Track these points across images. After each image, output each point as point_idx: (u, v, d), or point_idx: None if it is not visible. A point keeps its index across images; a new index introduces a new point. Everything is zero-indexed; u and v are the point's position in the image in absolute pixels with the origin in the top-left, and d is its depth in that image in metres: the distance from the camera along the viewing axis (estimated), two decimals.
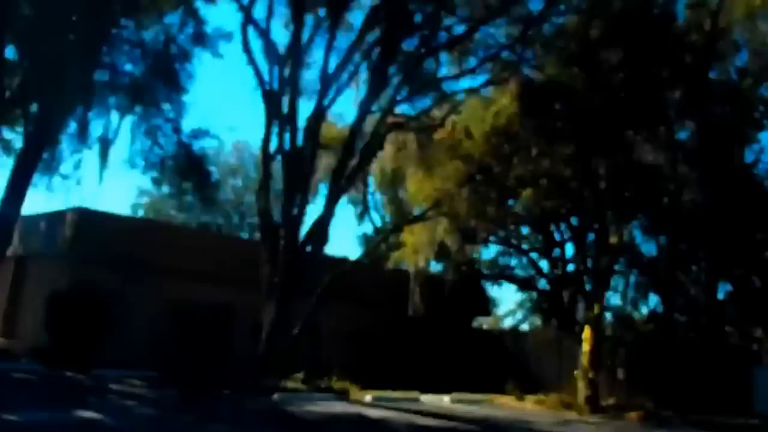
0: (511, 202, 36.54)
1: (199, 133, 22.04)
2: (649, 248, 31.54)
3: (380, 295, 31.43)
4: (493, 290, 47.63)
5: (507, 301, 65.54)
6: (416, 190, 29.45)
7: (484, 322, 44.11)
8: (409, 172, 30.79)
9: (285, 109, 25.38)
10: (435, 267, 41.54)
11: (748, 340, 34.75)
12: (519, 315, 48.14)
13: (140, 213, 52.42)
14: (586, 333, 26.19)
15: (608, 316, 31.83)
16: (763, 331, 35.04)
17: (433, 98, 28.29)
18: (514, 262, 43.20)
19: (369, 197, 46.15)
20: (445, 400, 25.07)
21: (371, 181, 41.72)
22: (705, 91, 28.38)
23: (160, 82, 22.34)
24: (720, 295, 34.72)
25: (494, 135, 27.21)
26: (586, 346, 26.06)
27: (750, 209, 30.16)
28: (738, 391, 25.25)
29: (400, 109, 28.18)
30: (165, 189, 29.52)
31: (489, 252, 42.95)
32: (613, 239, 27.41)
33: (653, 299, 31.50)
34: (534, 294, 45.02)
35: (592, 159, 25.94)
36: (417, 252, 30.24)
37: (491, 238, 39.63)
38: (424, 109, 28.09)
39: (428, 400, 24.79)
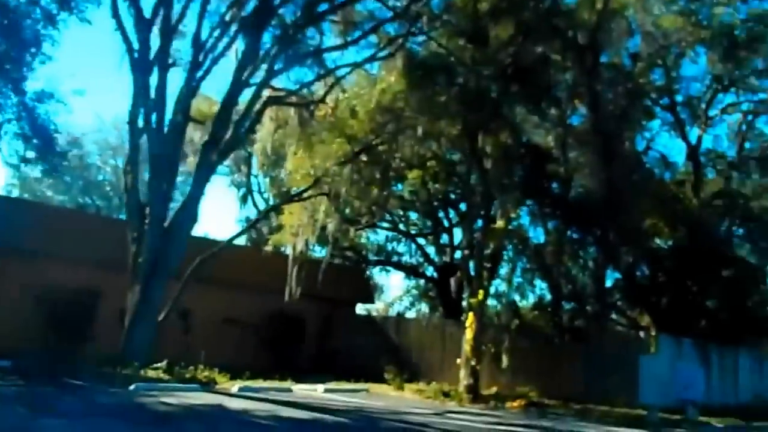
0: (400, 187, 35.63)
1: (43, 96, 19.94)
2: (537, 234, 30.88)
3: (259, 280, 29.79)
4: (381, 276, 46.82)
5: (397, 288, 64.56)
6: (295, 168, 27.86)
7: (371, 309, 43.09)
8: (290, 151, 29.11)
9: (154, 79, 23.61)
10: (322, 253, 40.43)
11: (636, 329, 34.60)
12: (406, 302, 47.59)
13: (15, 193, 49.27)
14: (469, 320, 25.15)
15: (497, 303, 31.16)
16: (651, 320, 34.97)
17: (316, 73, 26.80)
18: (403, 248, 42.49)
19: (253, 179, 44.58)
20: (319, 389, 23.70)
21: (255, 162, 40.04)
22: (596, 74, 27.74)
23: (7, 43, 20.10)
24: (608, 283, 34.55)
25: (379, 112, 25.87)
26: (468, 333, 25.02)
27: (640, 197, 29.83)
28: (625, 380, 24.59)
29: (281, 84, 26.77)
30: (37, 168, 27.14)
31: (378, 238, 42.17)
32: (500, 223, 26.49)
33: (541, 287, 30.73)
34: (422, 281, 44.46)
35: (479, 137, 24.80)
36: (296, 234, 28.67)
37: (379, 223, 38.66)
38: (305, 83, 26.55)
39: (301, 389, 23.48)
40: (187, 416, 15.65)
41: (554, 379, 26.37)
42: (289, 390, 23.04)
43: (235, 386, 21.73)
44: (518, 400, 23.63)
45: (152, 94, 23.52)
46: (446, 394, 24.21)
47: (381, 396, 24.18)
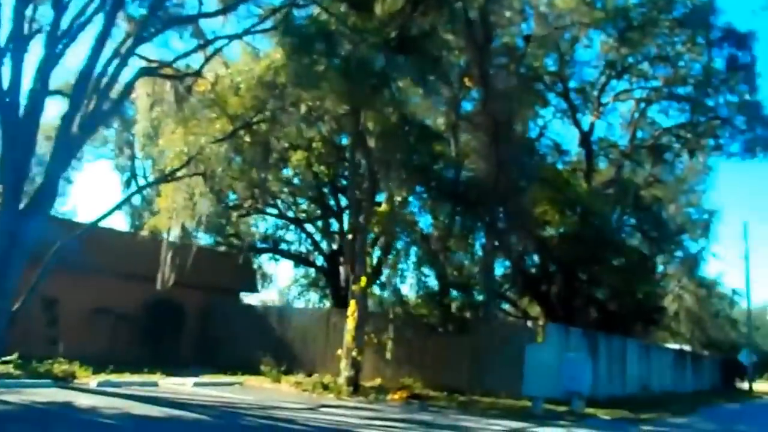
0: (288, 171, 34.23)
1: None
2: (426, 220, 29.84)
3: (137, 267, 27.96)
4: (270, 265, 45.34)
5: (289, 278, 62.68)
6: (168, 146, 25.93)
7: (264, 299, 41.71)
8: (166, 129, 27.10)
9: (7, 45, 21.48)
10: (208, 240, 38.81)
11: (526, 319, 34.11)
12: (295, 291, 46.33)
13: None
14: (351, 308, 23.83)
15: (384, 293, 30.09)
16: (541, 309, 34.56)
17: (194, 44, 24.94)
18: (293, 236, 41.12)
19: (137, 163, 42.61)
20: (189, 383, 22.03)
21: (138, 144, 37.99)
22: (487, 53, 26.85)
23: None
24: (499, 272, 33.95)
25: (261, 88, 24.24)
26: (350, 323, 23.71)
27: (530, 183, 29.21)
28: (512, 371, 23.72)
29: (160, 56, 24.89)
30: None
31: (268, 225, 40.71)
32: (384, 206, 25.32)
33: (428, 274, 29.56)
34: (312, 270, 43.24)
35: (362, 113, 23.40)
36: (171, 218, 26.81)
37: (268, 209, 37.22)
38: (181, 54, 24.65)
39: (170, 383, 21.79)
40: (20, 417, 13.83)
41: (441, 371, 25.51)
42: (155, 384, 21.35)
43: (94, 381, 19.93)
44: (400, 393, 22.44)
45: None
46: (326, 387, 22.85)
47: (255, 389, 22.67)
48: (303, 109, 24.85)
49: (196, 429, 14.28)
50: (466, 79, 27.36)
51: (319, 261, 40.80)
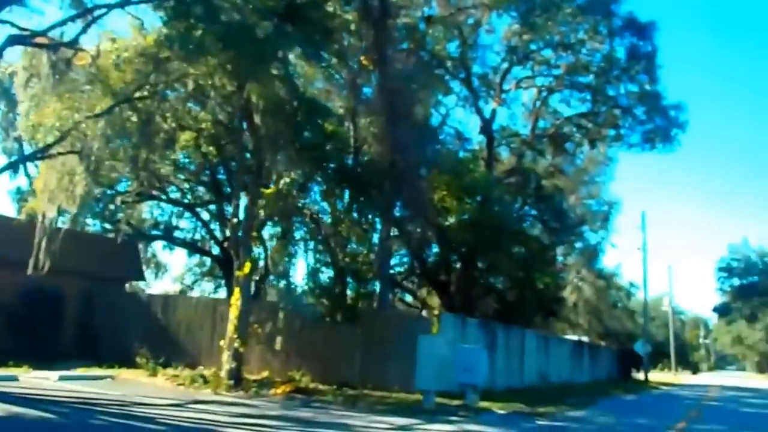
0: (181, 155, 32.58)
1: None
2: (321, 205, 28.51)
3: (11, 253, 25.94)
4: (165, 253, 43.52)
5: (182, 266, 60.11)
6: (40, 121, 23.83)
7: (160, 288, 39.89)
8: (44, 106, 24.95)
9: None
10: (96, 226, 36.87)
11: (425, 309, 33.38)
12: (189, 280, 44.69)
13: None
14: (234, 296, 22.36)
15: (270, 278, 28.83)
16: (440, 299, 33.79)
17: (73, 13, 23.00)
18: (187, 223, 39.50)
19: (26, 145, 40.09)
20: (53, 377, 20.30)
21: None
22: (384, 29, 25.68)
23: None
24: (398, 261, 33.08)
25: (143, 61, 22.47)
26: (233, 312, 22.22)
27: (429, 169, 28.34)
28: (405, 364, 22.63)
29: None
30: None
31: (163, 211, 38.99)
32: (272, 188, 23.92)
33: (321, 263, 28.16)
34: (207, 258, 41.71)
35: (247, 86, 21.83)
36: (47, 200, 24.79)
37: (159, 194, 35.50)
38: (56, 23, 22.70)
39: (32, 378, 20.08)
40: None
41: (332, 364, 24.35)
42: (15, 379, 19.53)
43: None
44: (283, 387, 21.11)
45: None
46: (206, 380, 21.33)
47: (128, 383, 21.00)
48: (190, 85, 23.31)
49: (33, 430, 12.62)
50: (363, 59, 26.08)
51: (215, 250, 39.24)
